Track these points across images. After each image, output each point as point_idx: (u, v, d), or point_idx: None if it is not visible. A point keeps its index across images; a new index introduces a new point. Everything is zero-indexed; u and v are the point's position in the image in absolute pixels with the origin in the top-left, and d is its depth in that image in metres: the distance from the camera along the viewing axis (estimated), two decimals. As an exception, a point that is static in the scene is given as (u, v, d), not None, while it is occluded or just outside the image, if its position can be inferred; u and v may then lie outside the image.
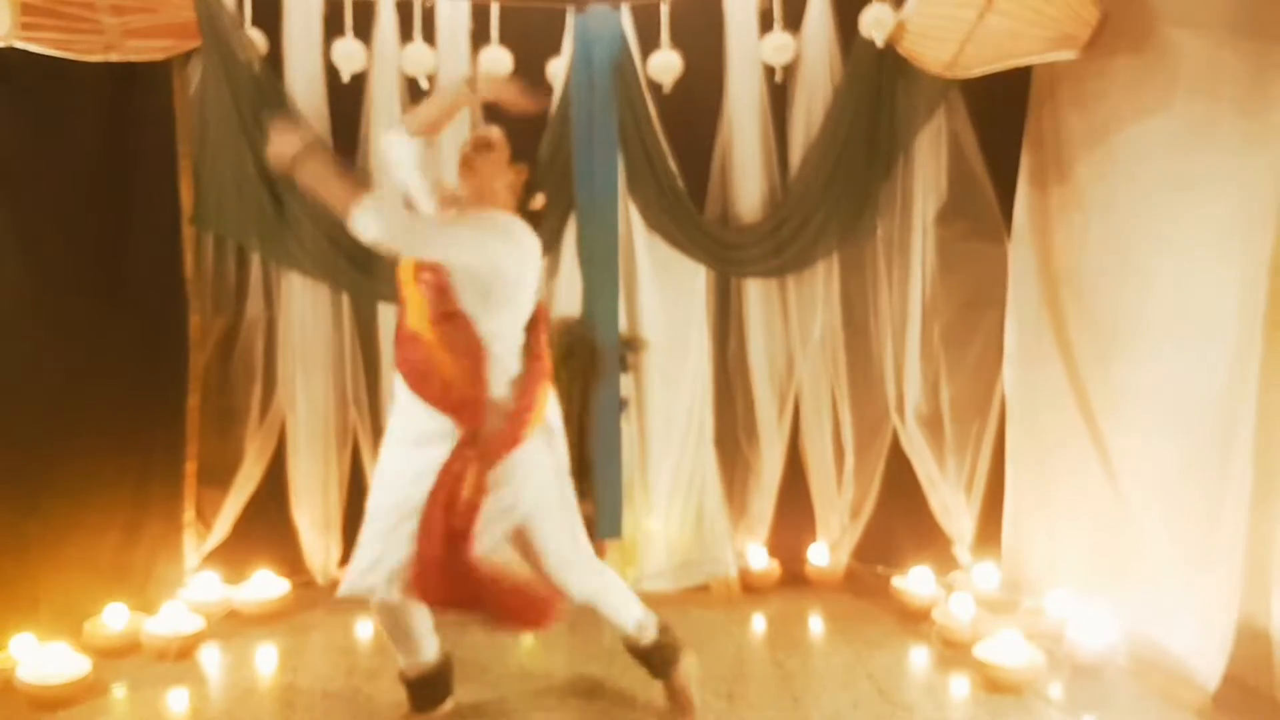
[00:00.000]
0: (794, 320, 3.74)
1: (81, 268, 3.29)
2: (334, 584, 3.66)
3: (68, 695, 2.78)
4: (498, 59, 3.53)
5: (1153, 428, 2.95)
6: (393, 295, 3.54)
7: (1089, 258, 3.24)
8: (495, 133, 2.61)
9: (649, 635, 2.67)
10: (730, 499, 3.82)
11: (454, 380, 2.38)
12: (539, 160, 3.52)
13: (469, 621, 2.47)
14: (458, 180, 2.59)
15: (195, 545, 3.59)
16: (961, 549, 3.63)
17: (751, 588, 3.70)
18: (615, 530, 3.58)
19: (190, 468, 3.56)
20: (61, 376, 3.20)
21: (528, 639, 3.19)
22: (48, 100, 3.20)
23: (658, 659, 2.68)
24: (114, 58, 3.23)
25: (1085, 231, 3.25)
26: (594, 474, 3.46)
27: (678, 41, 3.56)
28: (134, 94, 3.40)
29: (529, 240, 2.49)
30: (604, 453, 3.52)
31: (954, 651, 3.07)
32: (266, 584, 3.54)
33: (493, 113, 2.88)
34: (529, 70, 3.57)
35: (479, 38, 3.58)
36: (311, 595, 3.64)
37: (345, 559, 3.72)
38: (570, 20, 3.56)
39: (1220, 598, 2.63)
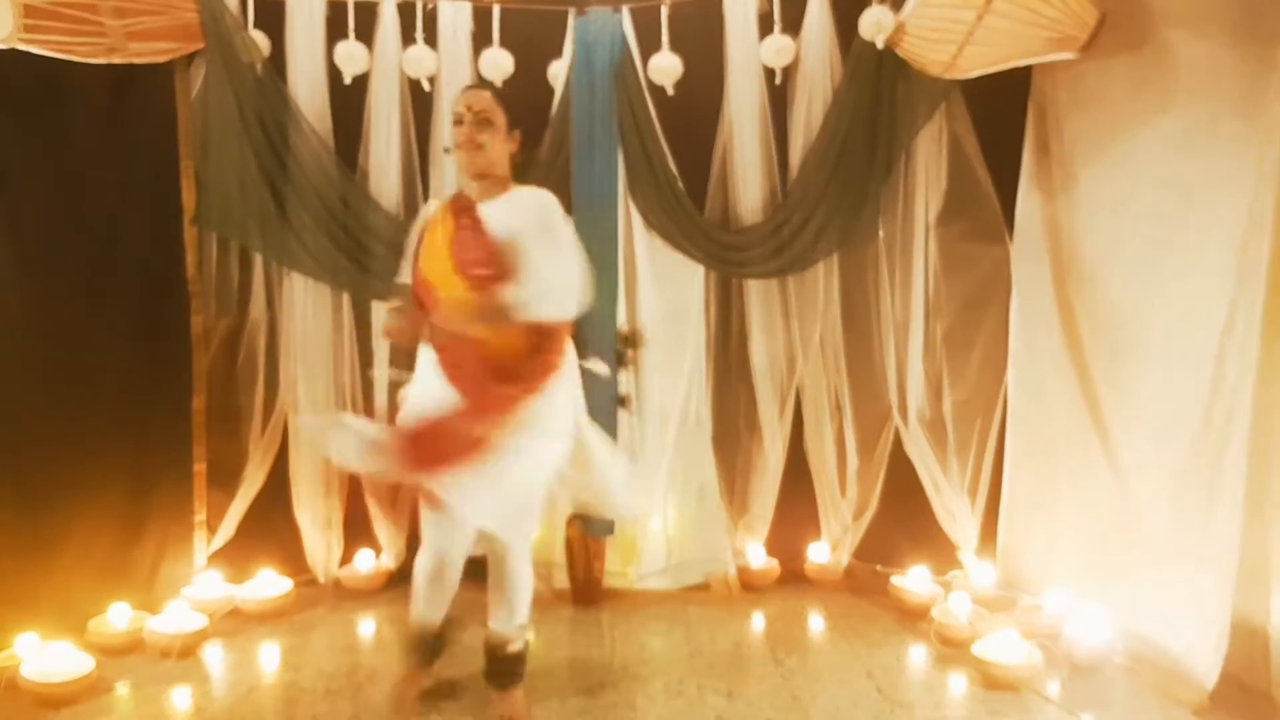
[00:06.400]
0: (795, 320, 3.72)
1: (82, 269, 3.28)
2: (335, 582, 3.70)
3: (71, 693, 2.78)
4: (499, 61, 3.54)
5: (1150, 427, 2.95)
6: (391, 294, 3.62)
7: (1090, 258, 3.24)
8: (488, 100, 2.55)
9: (519, 644, 2.69)
10: (731, 498, 3.82)
11: None
12: (539, 161, 3.53)
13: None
14: (459, 157, 2.54)
15: (203, 545, 3.60)
16: (966, 554, 3.62)
17: (751, 586, 3.70)
18: (609, 528, 3.57)
19: (199, 468, 3.57)
20: (65, 378, 3.19)
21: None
22: (50, 102, 3.19)
23: (510, 670, 2.69)
24: (116, 60, 3.22)
25: (1086, 231, 3.24)
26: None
27: (678, 44, 3.55)
28: (136, 96, 3.39)
29: None
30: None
31: (952, 650, 3.07)
32: (269, 583, 3.55)
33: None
34: (530, 73, 3.60)
35: (480, 40, 3.59)
36: (314, 594, 3.65)
37: (346, 558, 3.76)
38: (571, 23, 3.57)
39: (1217, 596, 2.62)
